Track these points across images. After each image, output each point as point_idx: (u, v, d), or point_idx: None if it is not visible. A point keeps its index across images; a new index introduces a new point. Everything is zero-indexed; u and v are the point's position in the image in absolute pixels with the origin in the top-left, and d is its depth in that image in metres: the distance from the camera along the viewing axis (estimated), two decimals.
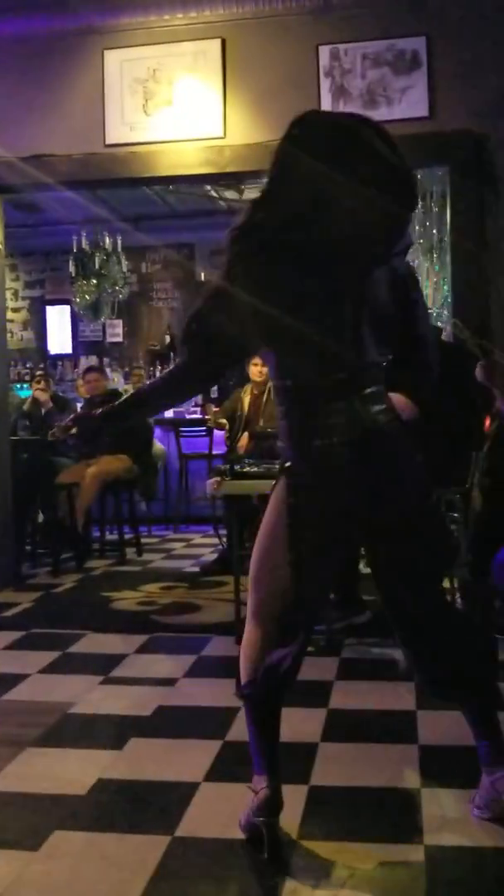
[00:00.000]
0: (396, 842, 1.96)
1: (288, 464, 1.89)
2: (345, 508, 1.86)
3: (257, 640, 1.97)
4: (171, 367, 2.05)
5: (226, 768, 2.36)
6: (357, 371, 1.85)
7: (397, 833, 2.00)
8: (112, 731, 2.68)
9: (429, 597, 1.96)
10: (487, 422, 3.61)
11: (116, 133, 4.70)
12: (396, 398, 2.01)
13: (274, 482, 1.96)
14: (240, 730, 2.60)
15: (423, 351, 2.03)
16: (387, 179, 1.75)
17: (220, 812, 2.10)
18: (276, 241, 1.77)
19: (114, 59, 4.69)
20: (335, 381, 1.83)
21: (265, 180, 1.83)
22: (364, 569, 3.54)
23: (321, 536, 1.87)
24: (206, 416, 5.91)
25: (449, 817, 2.06)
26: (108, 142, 4.71)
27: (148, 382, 2.09)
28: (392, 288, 1.89)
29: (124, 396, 2.15)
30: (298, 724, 2.61)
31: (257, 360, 5.31)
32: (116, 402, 2.10)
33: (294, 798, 2.14)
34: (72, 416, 2.18)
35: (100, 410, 2.11)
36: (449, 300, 4.74)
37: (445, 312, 4.86)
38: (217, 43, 4.58)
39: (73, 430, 2.14)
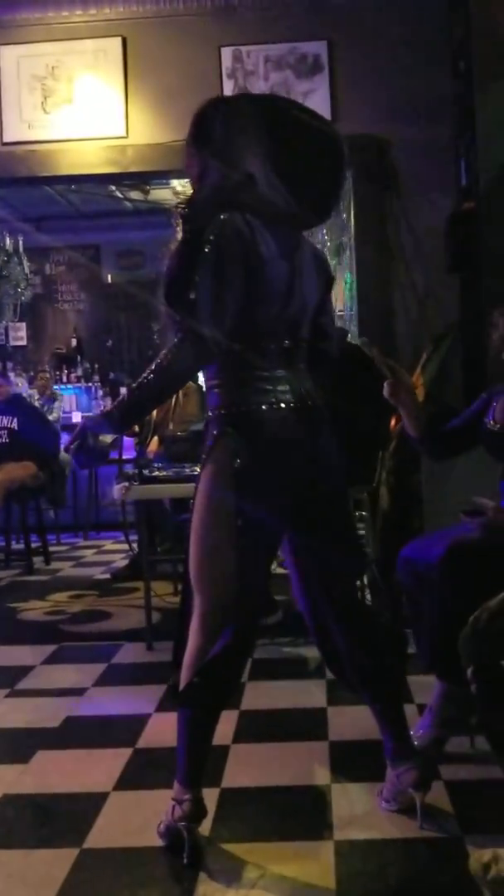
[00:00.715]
0: (307, 839, 1.96)
1: (229, 428, 1.84)
2: (287, 472, 1.86)
3: (203, 641, 1.88)
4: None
5: (136, 776, 2.32)
6: (297, 343, 1.90)
7: (308, 830, 2.00)
8: (18, 745, 2.60)
9: (343, 590, 1.99)
10: (393, 422, 3.68)
11: (14, 131, 4.59)
12: None
13: (201, 466, 1.91)
14: (150, 737, 2.58)
15: (323, 339, 2.03)
16: (319, 146, 1.87)
17: (130, 821, 2.06)
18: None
19: (10, 56, 4.58)
20: (281, 349, 1.87)
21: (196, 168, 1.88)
22: (276, 569, 3.56)
23: (265, 503, 1.84)
24: None
25: (358, 812, 2.08)
26: (5, 139, 4.60)
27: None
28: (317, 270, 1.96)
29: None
30: None
31: None
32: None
33: (206, 800, 2.12)
34: (75, 437, 2.04)
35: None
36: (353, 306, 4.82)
37: (353, 318, 4.93)
38: (118, 41, 4.53)
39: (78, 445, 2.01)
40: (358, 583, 3.86)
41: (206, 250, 1.75)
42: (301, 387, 1.90)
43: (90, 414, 7.97)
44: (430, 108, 4.39)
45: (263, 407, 1.84)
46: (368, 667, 1.99)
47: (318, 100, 4.44)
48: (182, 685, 1.89)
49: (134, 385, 1.87)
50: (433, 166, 4.41)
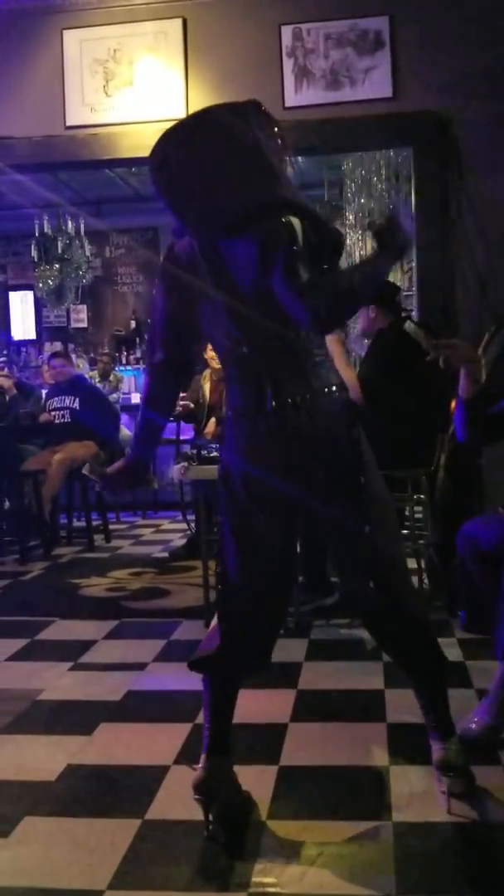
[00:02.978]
0: (365, 819, 1.97)
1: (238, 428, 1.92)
2: (296, 466, 1.87)
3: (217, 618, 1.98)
4: (149, 375, 2.06)
5: (196, 751, 2.35)
6: (303, 334, 1.88)
7: (366, 810, 2.02)
8: (81, 717, 2.67)
9: (378, 581, 1.94)
10: (453, 404, 3.64)
11: (77, 115, 4.63)
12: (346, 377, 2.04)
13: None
14: None
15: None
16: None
17: (191, 795, 2.10)
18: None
19: (73, 40, 4.62)
20: (284, 344, 1.87)
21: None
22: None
23: (273, 497, 1.88)
24: (178, 403, 5.88)
25: (417, 793, 2.08)
26: (68, 123, 4.64)
27: (143, 408, 2.09)
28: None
29: (136, 435, 2.14)
30: (268, 705, 2.63)
31: None
32: (135, 449, 2.13)
33: (264, 778, 2.16)
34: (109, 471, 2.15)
35: (124, 464, 2.13)
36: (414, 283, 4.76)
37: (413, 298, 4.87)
38: (178, 23, 4.53)
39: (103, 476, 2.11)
40: (415, 566, 3.86)
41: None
42: (311, 379, 1.88)
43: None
44: (494, 83, 4.29)
45: (272, 403, 1.87)
46: (410, 649, 2.00)
47: (379, 76, 4.38)
48: (199, 653, 1.97)
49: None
50: (497, 142, 4.31)
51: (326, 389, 1.90)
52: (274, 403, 1.86)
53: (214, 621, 1.99)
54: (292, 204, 1.83)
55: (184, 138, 1.89)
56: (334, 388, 1.92)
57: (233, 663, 1.96)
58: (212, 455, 3.70)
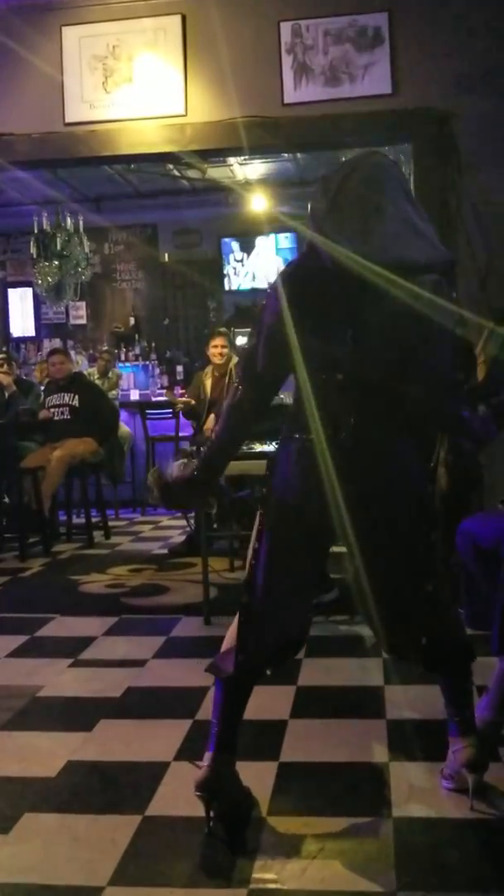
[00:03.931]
0: (365, 815, 1.98)
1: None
2: (355, 506, 1.86)
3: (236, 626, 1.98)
4: (232, 410, 2.00)
5: (196, 747, 2.37)
6: (354, 379, 1.86)
7: (366, 806, 2.02)
8: (81, 714, 2.68)
9: (431, 633, 1.96)
10: None
11: (76, 111, 4.63)
12: None
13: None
14: (209, 709, 2.61)
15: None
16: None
17: (191, 790, 2.10)
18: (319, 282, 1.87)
19: (72, 36, 4.61)
20: (335, 381, 1.86)
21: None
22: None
23: (320, 530, 1.90)
24: (179, 399, 5.86)
25: (416, 789, 2.09)
26: (67, 120, 4.64)
27: (216, 432, 2.05)
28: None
29: (207, 459, 2.05)
30: (268, 701, 2.63)
31: (216, 342, 5.31)
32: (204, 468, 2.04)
33: (264, 775, 2.17)
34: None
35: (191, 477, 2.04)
36: None
37: None
38: (177, 19, 4.52)
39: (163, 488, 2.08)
40: None
41: None
42: (350, 417, 1.87)
43: (147, 391, 8.07)
44: (494, 80, 4.28)
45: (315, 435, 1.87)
46: (446, 641, 1.99)
47: (378, 73, 4.37)
48: (224, 658, 1.97)
49: None
50: (496, 139, 4.30)
51: (402, 441, 1.91)
52: (350, 440, 1.84)
53: (234, 624, 1.99)
54: (450, 266, 1.91)
55: (375, 165, 1.92)
56: (409, 443, 1.92)
57: (250, 672, 1.97)
58: None
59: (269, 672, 1.99)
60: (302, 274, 1.93)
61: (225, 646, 2.00)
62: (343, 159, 6.40)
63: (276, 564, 1.93)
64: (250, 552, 1.98)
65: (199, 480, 2.01)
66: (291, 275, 1.95)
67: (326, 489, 1.84)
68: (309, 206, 1.91)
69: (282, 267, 2.00)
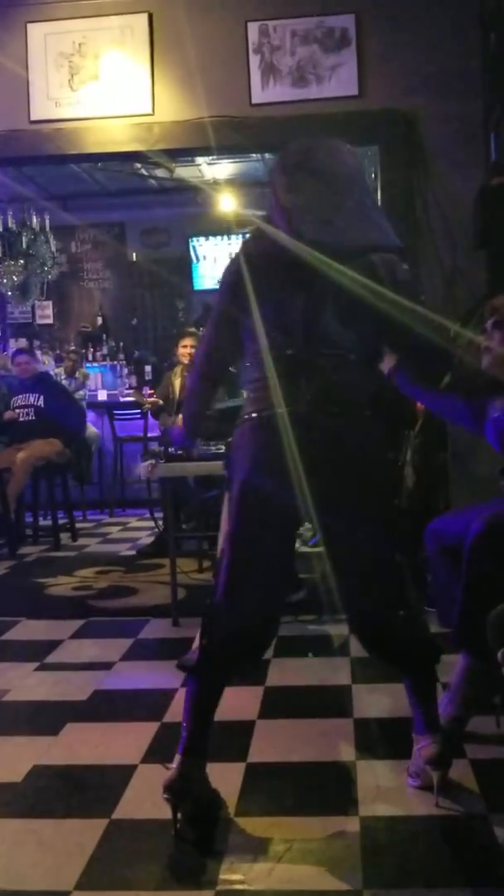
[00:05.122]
0: (332, 814, 1.99)
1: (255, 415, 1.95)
2: (319, 479, 1.87)
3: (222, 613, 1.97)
4: (199, 379, 2.22)
5: (164, 749, 2.35)
6: (308, 353, 1.90)
7: (333, 805, 2.03)
8: (48, 718, 2.65)
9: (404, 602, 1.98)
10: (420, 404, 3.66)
11: (41, 109, 4.58)
12: None
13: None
14: (177, 711, 2.61)
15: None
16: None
17: (158, 793, 2.08)
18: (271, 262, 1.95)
19: (37, 33, 4.56)
20: (288, 357, 1.91)
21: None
22: (299, 547, 3.57)
23: (286, 505, 1.90)
24: (147, 400, 5.83)
25: (383, 788, 2.10)
26: (32, 118, 4.59)
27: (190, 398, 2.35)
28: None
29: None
30: (236, 702, 2.61)
31: (186, 342, 5.32)
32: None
33: (231, 775, 2.16)
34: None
35: None
36: None
37: None
38: (144, 17, 4.49)
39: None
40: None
41: None
42: (305, 392, 1.90)
43: (115, 391, 8.02)
44: (460, 82, 4.31)
45: (279, 410, 1.91)
46: (410, 638, 2.00)
47: (345, 74, 4.38)
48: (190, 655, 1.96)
49: None
50: (462, 141, 4.34)
51: (363, 409, 1.95)
52: (307, 411, 1.88)
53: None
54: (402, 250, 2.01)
55: (327, 148, 2.00)
56: (368, 412, 1.96)
57: (222, 668, 1.96)
58: (179, 452, 3.69)
59: (239, 669, 1.98)
60: (256, 250, 1.98)
61: (195, 643, 1.99)
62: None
63: (245, 544, 1.92)
64: (221, 537, 1.99)
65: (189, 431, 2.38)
66: (247, 252, 2.00)
67: (287, 461, 1.85)
68: (269, 175, 1.99)
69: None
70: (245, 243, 2.06)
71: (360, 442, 1.94)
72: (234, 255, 2.05)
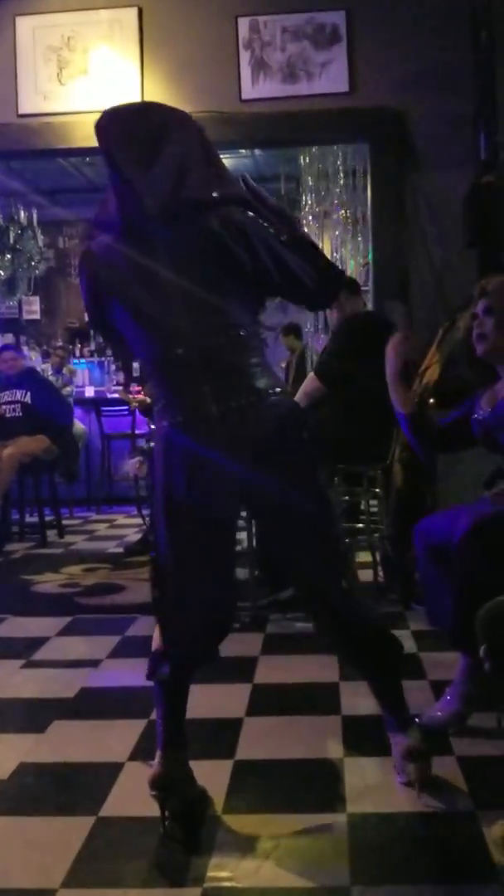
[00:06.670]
0: (320, 811, 1.98)
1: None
2: (244, 477, 1.84)
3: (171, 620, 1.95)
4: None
5: (151, 747, 2.33)
6: (205, 346, 1.81)
7: (320, 803, 2.02)
8: (34, 715, 2.63)
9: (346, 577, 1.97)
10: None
11: (29, 103, 4.56)
12: None
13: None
14: None
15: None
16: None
17: (145, 790, 2.07)
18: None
19: (26, 26, 4.54)
20: (224, 343, 1.82)
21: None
22: None
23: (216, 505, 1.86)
24: (134, 398, 5.81)
25: (371, 785, 2.10)
26: (20, 112, 4.57)
27: None
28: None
29: None
30: (224, 700, 2.62)
31: None
32: None
33: (219, 773, 2.15)
34: None
35: None
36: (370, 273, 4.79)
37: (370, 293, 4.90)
38: (133, 11, 4.48)
39: None
40: (370, 559, 3.88)
41: None
42: (217, 392, 1.81)
43: (102, 388, 7.99)
44: (450, 80, 4.32)
45: (179, 418, 1.85)
46: (365, 640, 2.00)
47: (335, 71, 4.38)
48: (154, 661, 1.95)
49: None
50: (452, 139, 4.35)
51: (271, 391, 1.84)
52: (216, 410, 1.79)
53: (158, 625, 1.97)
54: (246, 201, 1.90)
55: (142, 111, 1.95)
56: (278, 389, 1.87)
57: (178, 660, 1.94)
58: None
59: (203, 662, 1.97)
60: (98, 251, 1.90)
61: (154, 646, 1.96)
62: (300, 159, 6.39)
63: (179, 549, 1.87)
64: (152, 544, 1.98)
65: None
66: (88, 257, 1.93)
67: (204, 463, 1.80)
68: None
69: None
70: (84, 253, 1.97)
71: (272, 424, 1.84)
72: (77, 267, 2.02)
